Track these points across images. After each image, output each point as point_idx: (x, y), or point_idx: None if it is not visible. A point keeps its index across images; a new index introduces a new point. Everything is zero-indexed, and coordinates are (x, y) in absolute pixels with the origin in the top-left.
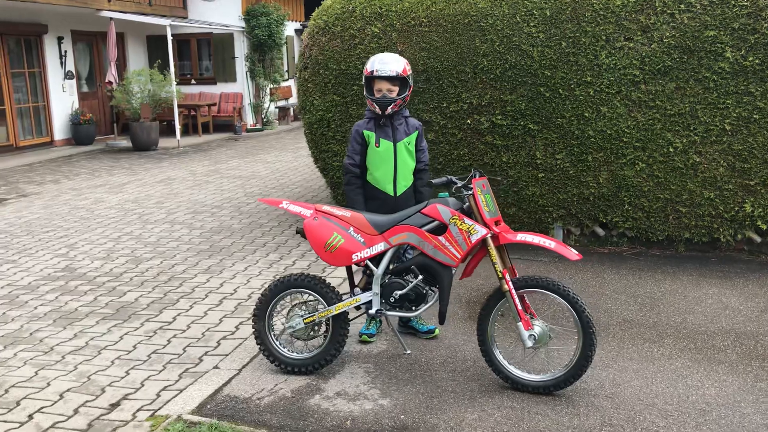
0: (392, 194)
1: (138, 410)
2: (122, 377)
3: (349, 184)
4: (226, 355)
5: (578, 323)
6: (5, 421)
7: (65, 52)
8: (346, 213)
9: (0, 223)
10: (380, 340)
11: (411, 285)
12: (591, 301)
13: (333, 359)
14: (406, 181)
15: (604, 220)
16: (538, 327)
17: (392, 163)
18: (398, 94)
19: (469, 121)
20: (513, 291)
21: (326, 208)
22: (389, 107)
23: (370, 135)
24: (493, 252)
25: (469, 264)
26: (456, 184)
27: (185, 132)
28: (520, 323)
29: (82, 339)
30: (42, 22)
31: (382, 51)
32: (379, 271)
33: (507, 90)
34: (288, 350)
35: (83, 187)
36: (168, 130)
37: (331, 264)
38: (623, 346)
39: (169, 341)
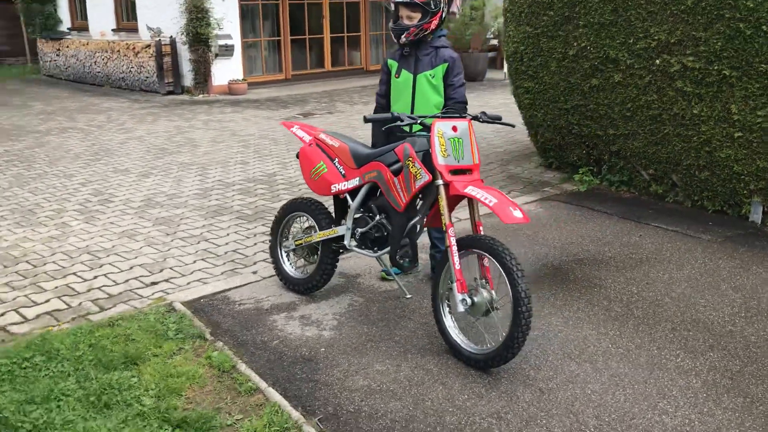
0: (408, 130)
1: (159, 291)
2: (186, 264)
3: (375, 113)
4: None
5: (510, 296)
6: (78, 276)
7: None
8: (335, 143)
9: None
10: (405, 280)
11: (370, 224)
12: (687, 292)
13: (319, 285)
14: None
15: None
16: (479, 295)
17: (410, 97)
18: (419, 22)
19: (657, 61)
20: (453, 247)
21: (322, 135)
22: (402, 36)
23: (393, 64)
24: (441, 202)
25: (431, 213)
26: (401, 122)
27: None
28: (454, 284)
29: (202, 230)
30: None
31: None
32: (353, 206)
33: (701, 25)
34: (293, 268)
35: None
36: None
37: (314, 191)
38: (662, 355)
39: (255, 244)
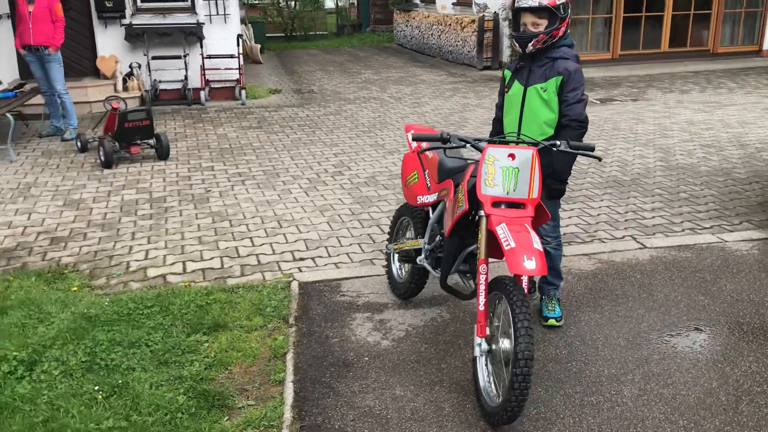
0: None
1: (295, 268)
2: (342, 246)
3: (492, 128)
4: None
5: (511, 351)
6: (251, 240)
7: None
8: (430, 153)
9: None
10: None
11: (434, 243)
12: None
13: (409, 294)
14: (533, 134)
15: None
16: (498, 344)
17: (519, 111)
18: (547, 28)
19: None
20: (481, 286)
21: (425, 144)
22: (530, 44)
23: (507, 75)
24: (480, 235)
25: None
26: (449, 143)
27: None
28: (475, 326)
29: (384, 214)
30: None
31: None
32: (430, 221)
33: None
34: (400, 272)
35: (683, 100)
36: None
37: (406, 200)
38: None
39: None
